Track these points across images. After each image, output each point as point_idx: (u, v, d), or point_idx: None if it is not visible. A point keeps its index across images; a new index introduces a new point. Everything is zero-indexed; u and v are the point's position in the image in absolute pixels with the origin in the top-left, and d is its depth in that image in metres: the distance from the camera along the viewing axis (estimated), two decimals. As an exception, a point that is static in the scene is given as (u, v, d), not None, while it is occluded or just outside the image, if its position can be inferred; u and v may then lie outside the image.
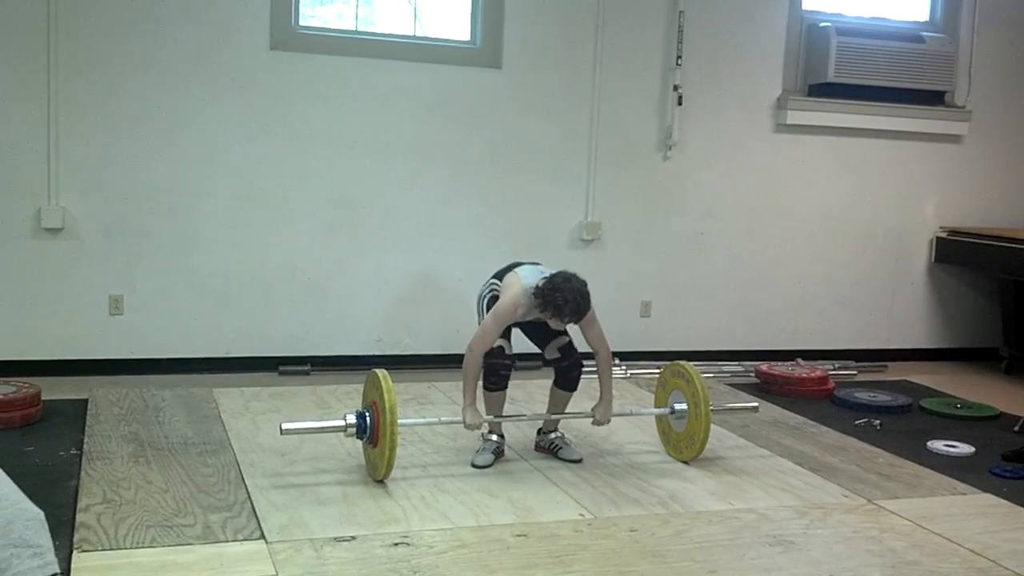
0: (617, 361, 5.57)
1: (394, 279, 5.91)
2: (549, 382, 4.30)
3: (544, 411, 4.35)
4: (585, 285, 3.92)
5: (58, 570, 2.30)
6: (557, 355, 4.19)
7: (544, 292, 3.89)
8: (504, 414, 4.22)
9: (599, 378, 4.18)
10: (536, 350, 4.31)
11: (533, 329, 4.22)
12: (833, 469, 4.28)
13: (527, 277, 4.03)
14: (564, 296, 3.84)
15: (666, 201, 6.32)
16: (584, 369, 4.24)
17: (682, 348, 6.13)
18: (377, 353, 5.82)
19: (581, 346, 4.22)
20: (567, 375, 4.20)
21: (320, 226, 5.75)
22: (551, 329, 4.14)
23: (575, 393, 4.26)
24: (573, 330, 4.14)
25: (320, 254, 5.77)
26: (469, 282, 5.93)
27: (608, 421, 4.21)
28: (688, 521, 3.60)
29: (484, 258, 5.95)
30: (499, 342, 4.05)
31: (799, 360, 6.23)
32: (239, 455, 4.12)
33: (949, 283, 6.99)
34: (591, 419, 4.21)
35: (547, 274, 3.98)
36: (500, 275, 4.20)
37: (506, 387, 4.14)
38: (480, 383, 4.09)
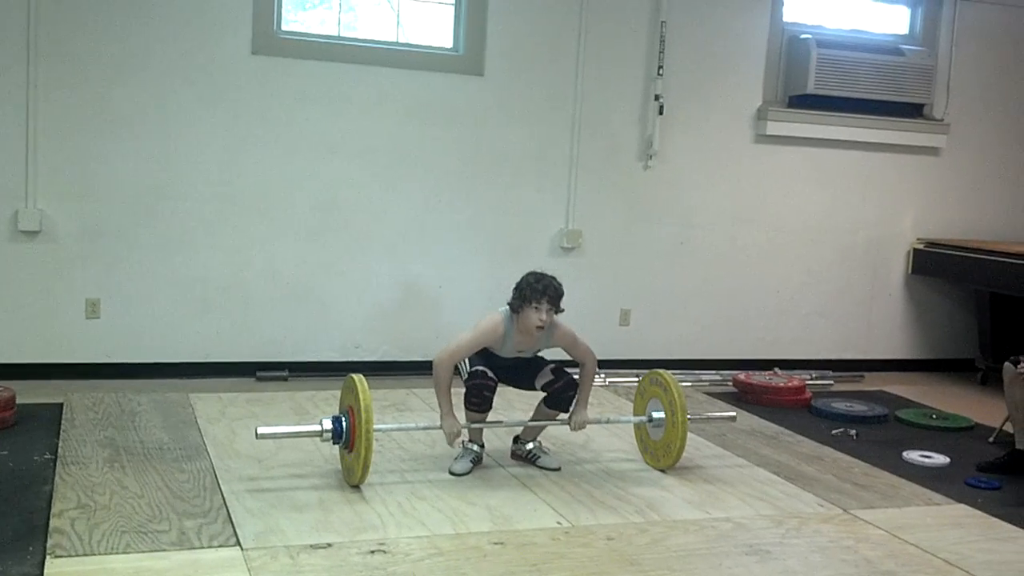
0: (596, 369, 5.56)
1: (374, 285, 5.90)
2: (529, 391, 4.29)
3: (523, 420, 4.35)
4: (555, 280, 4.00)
5: None
6: (551, 377, 4.15)
7: (519, 283, 3.97)
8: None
9: (579, 384, 4.18)
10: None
11: (516, 370, 4.17)
12: (809, 479, 4.30)
13: (503, 308, 4.06)
14: (536, 277, 3.95)
15: (647, 210, 6.34)
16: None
17: (661, 356, 6.15)
18: (356, 359, 5.80)
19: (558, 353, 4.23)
20: (562, 395, 4.14)
21: (301, 231, 5.74)
22: (534, 362, 4.17)
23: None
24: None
25: (300, 259, 5.76)
26: (449, 289, 5.95)
27: (583, 426, 4.21)
28: (665, 530, 3.61)
29: (465, 265, 5.99)
30: (482, 367, 4.04)
31: (777, 370, 6.25)
32: (215, 461, 4.10)
33: (926, 294, 7.04)
34: (567, 424, 4.21)
35: None
36: None
37: (489, 410, 4.12)
38: (462, 401, 4.07)
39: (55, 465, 3.94)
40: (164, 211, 5.49)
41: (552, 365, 4.18)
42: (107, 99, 5.33)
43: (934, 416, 5.54)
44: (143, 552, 3.16)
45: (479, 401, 4.06)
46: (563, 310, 4.01)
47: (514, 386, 4.24)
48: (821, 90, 6.44)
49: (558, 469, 4.20)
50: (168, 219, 5.50)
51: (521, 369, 4.17)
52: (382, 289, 5.91)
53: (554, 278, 3.98)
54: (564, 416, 4.22)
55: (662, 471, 4.26)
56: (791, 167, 6.63)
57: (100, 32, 5.28)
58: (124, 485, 3.76)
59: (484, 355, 4.07)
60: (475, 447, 4.19)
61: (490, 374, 4.04)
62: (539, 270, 4.04)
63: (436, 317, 5.89)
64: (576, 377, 4.17)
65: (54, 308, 5.38)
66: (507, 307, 4.02)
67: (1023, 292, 6.17)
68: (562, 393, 4.14)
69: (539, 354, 4.21)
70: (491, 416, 4.21)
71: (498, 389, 4.09)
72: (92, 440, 4.30)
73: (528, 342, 4.06)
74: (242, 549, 3.22)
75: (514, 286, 4.00)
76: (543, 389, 4.17)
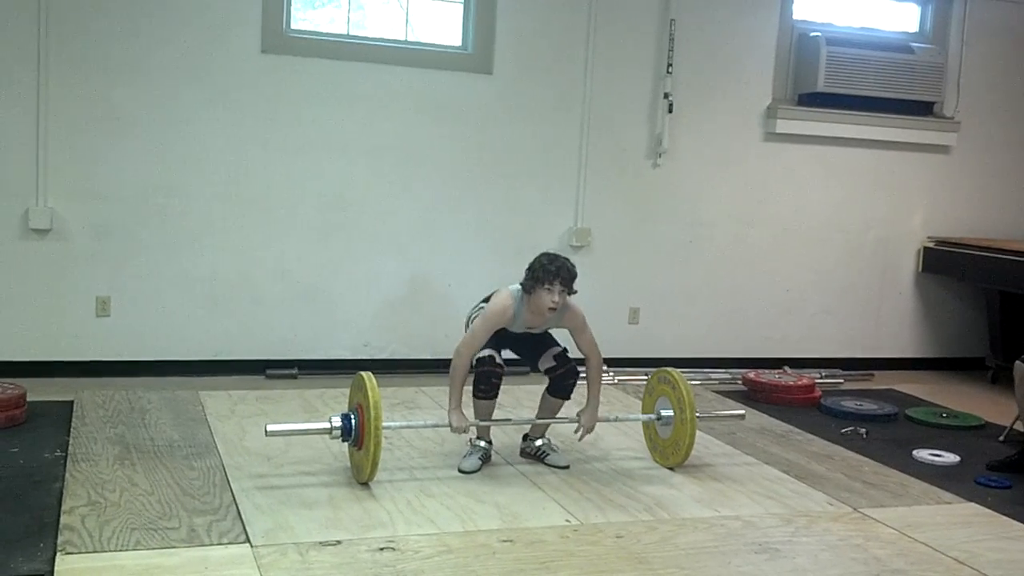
0: (605, 368, 5.55)
1: (383, 283, 5.90)
2: (537, 388, 4.30)
3: (532, 417, 4.35)
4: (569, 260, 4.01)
5: None
6: (552, 363, 4.17)
7: (531, 265, 3.97)
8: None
9: (588, 383, 4.19)
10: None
11: (524, 344, 4.21)
12: (819, 477, 4.29)
13: (514, 286, 4.06)
14: (550, 258, 3.95)
15: (655, 208, 6.34)
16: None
17: (670, 355, 6.14)
18: (365, 357, 5.81)
19: (573, 351, 4.23)
20: (562, 382, 4.17)
21: (310, 229, 5.75)
22: (543, 341, 4.17)
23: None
24: (565, 339, 4.16)
25: (309, 257, 5.77)
26: (458, 287, 5.95)
27: (593, 427, 4.21)
28: (674, 528, 3.60)
29: (473, 263, 5.99)
30: (489, 352, 4.06)
31: (786, 368, 6.24)
32: (225, 458, 4.11)
33: (936, 292, 7.02)
34: (576, 424, 4.21)
35: None
36: (487, 299, 4.20)
37: (496, 396, 4.13)
38: (471, 391, 4.09)
39: (65, 462, 3.96)
40: (174, 209, 5.50)
41: (556, 351, 4.18)
42: (116, 98, 5.34)
43: (944, 415, 5.52)
44: (153, 549, 3.17)
45: (487, 388, 4.08)
46: (576, 292, 4.02)
47: (520, 356, 4.26)
48: (831, 88, 6.42)
49: (567, 467, 4.20)
50: (178, 217, 5.51)
51: (529, 344, 4.19)
52: (391, 287, 5.92)
53: (567, 259, 3.99)
54: (573, 414, 4.22)
55: (671, 469, 4.25)
56: (801, 165, 6.61)
57: (109, 32, 5.29)
58: (134, 482, 3.77)
59: (494, 332, 4.08)
60: (482, 443, 4.20)
61: (498, 359, 4.07)
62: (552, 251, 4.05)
63: (445, 315, 5.88)
64: (580, 367, 4.17)
65: (64, 306, 5.40)
66: (519, 286, 4.03)
67: (1034, 290, 6.16)
68: (563, 380, 4.16)
69: (549, 331, 4.23)
70: (499, 414, 4.21)
71: (506, 385, 4.09)
72: (102, 437, 4.31)
73: (538, 320, 4.07)
74: (252, 546, 3.23)
75: (527, 266, 4.00)
76: (546, 373, 4.19)
